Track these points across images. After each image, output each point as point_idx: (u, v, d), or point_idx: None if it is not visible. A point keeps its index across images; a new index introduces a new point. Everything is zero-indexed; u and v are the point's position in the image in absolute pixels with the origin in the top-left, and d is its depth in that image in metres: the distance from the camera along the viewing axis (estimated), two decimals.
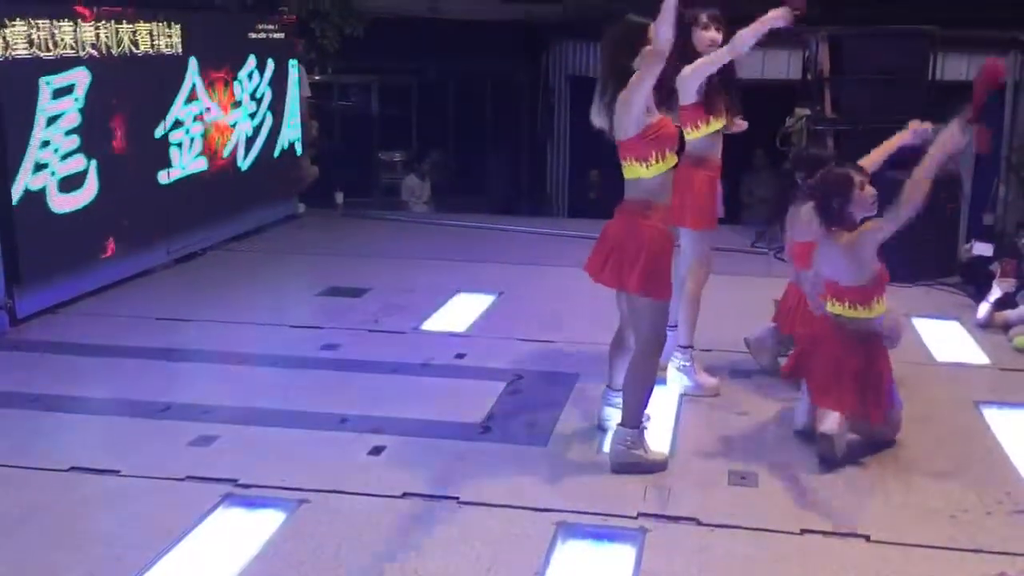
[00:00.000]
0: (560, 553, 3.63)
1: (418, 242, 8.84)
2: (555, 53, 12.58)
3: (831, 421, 4.28)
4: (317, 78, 11.42)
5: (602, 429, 4.58)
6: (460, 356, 5.67)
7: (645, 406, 4.30)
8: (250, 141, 8.64)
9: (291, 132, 9.36)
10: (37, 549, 3.63)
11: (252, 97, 8.60)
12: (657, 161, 4.10)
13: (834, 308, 4.49)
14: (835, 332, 4.47)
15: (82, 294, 6.62)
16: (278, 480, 4.09)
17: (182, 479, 4.12)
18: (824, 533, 3.76)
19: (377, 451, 4.40)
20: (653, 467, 4.23)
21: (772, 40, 5.06)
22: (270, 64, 8.79)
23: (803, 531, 3.77)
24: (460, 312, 6.53)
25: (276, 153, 9.10)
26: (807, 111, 8.11)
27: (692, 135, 4.92)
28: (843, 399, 4.34)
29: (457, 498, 3.98)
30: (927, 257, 7.21)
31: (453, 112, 14.52)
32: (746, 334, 5.50)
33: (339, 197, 10.39)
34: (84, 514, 3.87)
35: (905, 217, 4.23)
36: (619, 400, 4.40)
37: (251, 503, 3.94)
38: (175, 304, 6.67)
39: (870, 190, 4.35)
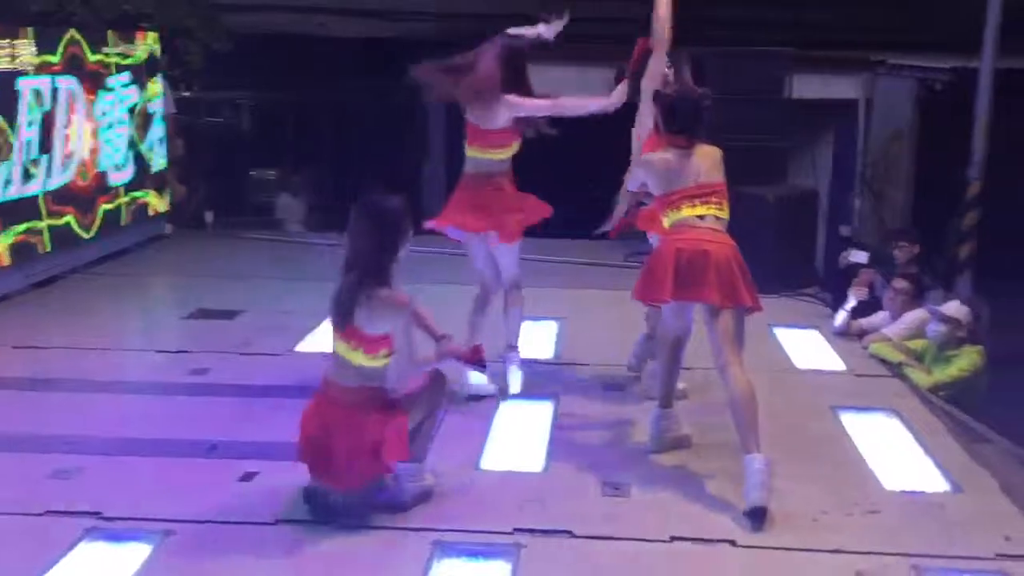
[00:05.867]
0: (436, 573, 3.62)
1: (293, 262, 8.69)
2: None
3: None
4: (185, 94, 11.14)
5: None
6: None
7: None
8: None
9: None
10: None
11: None
12: None
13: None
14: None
15: None
16: (143, 512, 3.96)
17: (41, 514, 3.94)
18: (693, 540, 3.87)
19: (248, 477, 4.30)
20: None
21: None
22: None
23: (672, 539, 3.87)
24: None
25: None
26: None
27: (505, 153, 5.14)
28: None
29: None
30: (788, 269, 7.54)
31: (330, 129, 14.33)
32: (623, 347, 5.60)
33: (209, 216, 10.15)
34: None
35: None
36: None
37: (115, 536, 3.80)
38: (33, 331, 6.37)
39: None
